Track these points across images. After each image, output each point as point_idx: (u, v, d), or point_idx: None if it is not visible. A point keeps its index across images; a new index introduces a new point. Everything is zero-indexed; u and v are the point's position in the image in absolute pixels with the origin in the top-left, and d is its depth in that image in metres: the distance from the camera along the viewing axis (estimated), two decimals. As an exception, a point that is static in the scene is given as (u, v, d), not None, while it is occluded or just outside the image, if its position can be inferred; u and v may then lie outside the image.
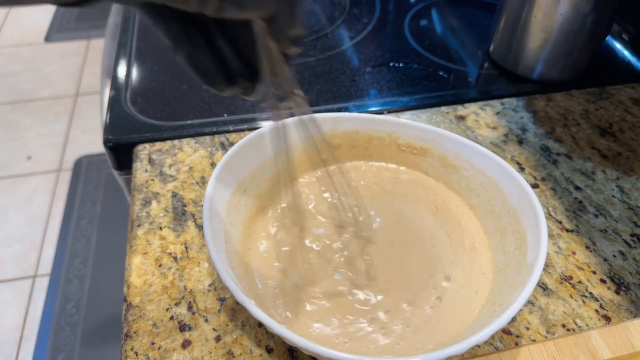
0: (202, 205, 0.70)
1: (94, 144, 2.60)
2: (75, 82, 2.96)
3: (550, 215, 0.72)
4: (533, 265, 0.53)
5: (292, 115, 0.61)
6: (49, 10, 3.53)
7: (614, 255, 0.67)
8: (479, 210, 0.66)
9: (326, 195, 0.68)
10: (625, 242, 0.69)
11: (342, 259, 0.62)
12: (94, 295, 2.01)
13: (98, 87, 2.90)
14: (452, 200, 0.68)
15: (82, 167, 2.49)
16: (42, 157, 2.55)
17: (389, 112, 0.88)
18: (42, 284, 2.06)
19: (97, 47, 3.20)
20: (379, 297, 0.58)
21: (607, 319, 0.61)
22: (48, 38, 3.29)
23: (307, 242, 0.64)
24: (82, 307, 1.98)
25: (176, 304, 0.60)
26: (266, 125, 0.66)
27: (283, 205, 0.68)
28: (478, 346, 0.58)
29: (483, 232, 0.65)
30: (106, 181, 2.42)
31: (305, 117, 0.63)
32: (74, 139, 2.64)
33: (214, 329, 0.58)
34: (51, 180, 2.44)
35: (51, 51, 3.19)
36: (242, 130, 0.83)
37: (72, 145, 2.60)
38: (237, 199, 0.63)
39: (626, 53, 1.03)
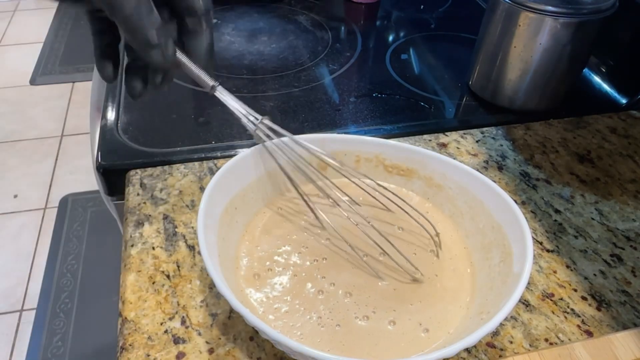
0: (192, 227, 0.72)
1: (79, 183, 2.60)
2: (60, 124, 2.97)
3: (531, 235, 0.73)
4: (520, 273, 0.54)
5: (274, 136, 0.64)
6: (34, 54, 3.55)
7: (595, 274, 0.69)
8: (464, 227, 0.67)
9: (315, 211, 0.70)
10: (606, 261, 0.71)
11: (328, 274, 0.63)
12: (80, 328, 2.01)
13: (83, 129, 2.92)
14: (437, 217, 0.70)
15: (68, 206, 2.50)
16: (29, 195, 2.55)
17: (374, 139, 0.90)
18: (29, 317, 2.05)
19: (82, 90, 3.22)
20: (368, 309, 0.59)
21: (589, 334, 0.62)
22: (33, 81, 3.31)
23: (296, 257, 0.65)
24: (68, 340, 1.97)
25: (170, 319, 0.62)
26: (255, 147, 0.68)
27: (271, 221, 0.69)
28: (467, 350, 0.59)
29: (467, 249, 0.66)
30: (91, 219, 2.43)
31: (286, 139, 0.66)
32: (59, 179, 2.64)
33: (207, 342, 0.59)
34: (37, 218, 2.44)
35: (36, 94, 3.21)
36: (230, 156, 0.84)
37: (57, 185, 2.61)
38: (229, 216, 0.64)
39: (604, 85, 1.05)
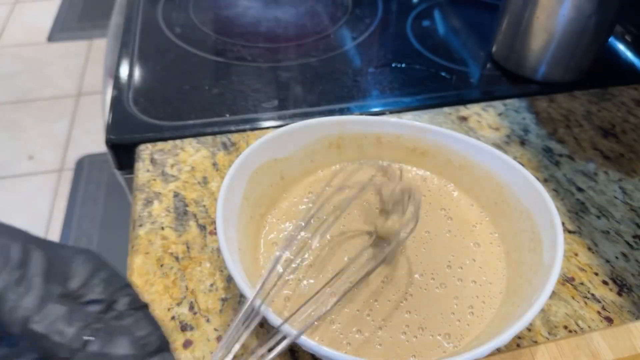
0: (203, 206, 0.71)
1: (95, 143, 2.59)
2: (77, 82, 2.96)
3: (552, 216, 0.72)
4: (550, 266, 0.53)
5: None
6: (52, 9, 3.52)
7: (616, 257, 0.67)
8: (491, 211, 0.66)
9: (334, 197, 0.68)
10: (628, 243, 0.69)
11: (353, 261, 0.62)
12: (96, 295, 2.01)
13: (100, 88, 2.90)
14: (464, 202, 0.68)
15: (84, 167, 2.49)
16: (44, 156, 2.54)
17: (391, 112, 0.88)
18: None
19: (100, 48, 3.19)
20: (392, 299, 0.58)
21: (609, 320, 0.60)
22: (51, 38, 3.28)
23: (316, 243, 0.63)
24: (84, 307, 1.98)
25: (177, 304, 0.60)
26: (276, 130, 0.66)
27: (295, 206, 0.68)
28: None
29: (497, 233, 0.64)
30: (108, 181, 2.42)
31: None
32: (75, 139, 2.63)
33: (215, 329, 0.58)
34: (53, 180, 2.43)
35: (53, 51, 3.19)
36: (244, 130, 0.83)
37: (73, 145, 2.60)
38: (249, 205, 0.63)
39: (629, 54, 1.03)
